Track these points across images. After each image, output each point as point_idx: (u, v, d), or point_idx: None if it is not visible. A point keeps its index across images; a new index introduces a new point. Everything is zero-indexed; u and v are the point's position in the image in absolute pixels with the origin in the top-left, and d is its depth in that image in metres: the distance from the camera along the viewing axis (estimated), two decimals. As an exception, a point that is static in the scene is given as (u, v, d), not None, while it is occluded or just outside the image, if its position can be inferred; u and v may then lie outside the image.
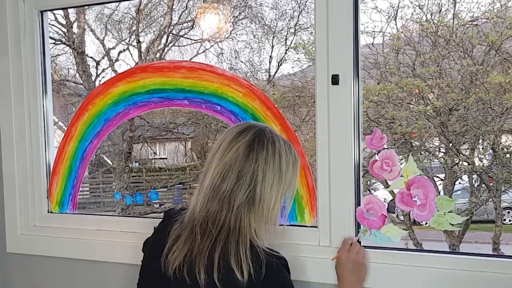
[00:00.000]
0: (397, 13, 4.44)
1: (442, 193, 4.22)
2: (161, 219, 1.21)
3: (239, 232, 1.05)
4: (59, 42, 6.17)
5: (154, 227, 1.21)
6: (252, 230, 1.06)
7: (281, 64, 5.76)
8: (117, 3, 5.01)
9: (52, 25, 5.92)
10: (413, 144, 4.48)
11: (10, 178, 1.73)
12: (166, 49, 6.29)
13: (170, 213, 1.19)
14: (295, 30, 5.58)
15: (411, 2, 4.36)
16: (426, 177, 1.46)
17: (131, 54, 6.25)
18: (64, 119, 6.12)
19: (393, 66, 4.44)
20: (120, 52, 6.26)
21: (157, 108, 1.57)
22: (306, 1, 5.43)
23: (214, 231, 1.05)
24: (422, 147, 4.49)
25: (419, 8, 4.35)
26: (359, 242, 1.30)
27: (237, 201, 1.07)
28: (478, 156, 4.25)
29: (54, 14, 5.62)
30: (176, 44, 6.36)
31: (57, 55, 6.24)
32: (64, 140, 1.69)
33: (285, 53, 5.70)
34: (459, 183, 4.43)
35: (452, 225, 1.25)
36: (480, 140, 4.27)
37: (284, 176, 1.10)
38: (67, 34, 6.23)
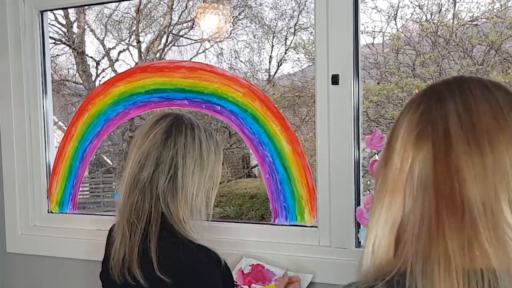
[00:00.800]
0: (397, 13, 4.45)
1: (442, 193, 4.22)
2: (107, 239, 1.17)
3: (165, 222, 1.02)
4: (59, 42, 6.17)
5: None
6: (178, 220, 1.03)
7: (281, 64, 5.76)
8: (117, 3, 5.01)
9: (52, 25, 5.93)
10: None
11: (10, 178, 1.73)
12: (166, 49, 6.30)
13: (111, 228, 1.15)
14: (295, 30, 5.58)
15: (411, 2, 4.37)
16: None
17: (131, 54, 6.27)
18: (64, 119, 6.13)
19: (393, 66, 4.44)
20: (120, 52, 6.27)
21: (157, 108, 1.57)
22: (306, 1, 5.44)
23: (140, 224, 1.02)
24: (422, 147, 4.49)
25: (419, 8, 4.36)
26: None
27: (159, 188, 1.04)
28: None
29: (54, 14, 5.63)
30: (176, 44, 6.37)
31: (57, 55, 6.25)
32: (64, 140, 1.69)
33: (285, 53, 5.71)
34: (459, 183, 4.43)
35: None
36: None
37: (205, 162, 1.07)
38: (67, 34, 6.24)
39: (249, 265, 1.32)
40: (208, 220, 1.12)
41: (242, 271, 1.30)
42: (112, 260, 1.03)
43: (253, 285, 1.28)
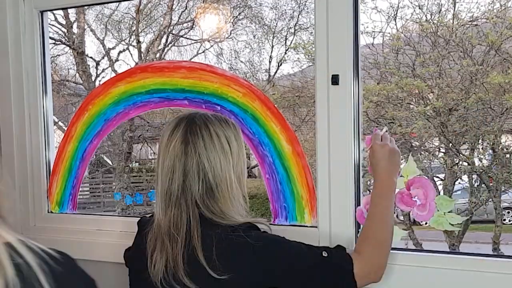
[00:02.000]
0: (397, 13, 4.45)
1: (442, 193, 4.23)
2: (137, 230, 1.20)
3: (205, 226, 1.05)
4: (59, 42, 6.17)
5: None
6: (223, 216, 1.06)
7: (281, 64, 5.76)
8: (117, 3, 5.01)
9: (52, 25, 5.92)
10: (413, 144, 4.48)
11: (10, 178, 1.73)
12: (166, 49, 6.29)
13: (142, 223, 1.18)
14: (295, 30, 5.58)
15: (411, 2, 4.36)
16: (426, 177, 1.46)
17: (131, 54, 6.26)
18: (64, 119, 6.12)
19: (393, 66, 4.44)
20: (120, 52, 6.26)
21: (157, 108, 1.57)
22: (306, 1, 5.44)
23: (180, 236, 1.04)
24: (422, 147, 4.49)
25: (419, 8, 4.35)
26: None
27: (194, 196, 1.06)
28: (478, 156, 4.25)
29: (54, 14, 5.62)
30: (176, 44, 6.36)
31: (57, 55, 6.25)
32: (64, 140, 1.69)
33: (285, 53, 5.70)
34: (459, 183, 4.44)
35: (452, 225, 1.25)
36: (480, 140, 4.27)
37: (229, 154, 1.09)
38: (67, 34, 6.23)
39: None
40: (246, 200, 1.15)
41: None
42: (153, 269, 1.05)
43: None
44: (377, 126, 1.26)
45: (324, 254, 1.07)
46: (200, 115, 1.12)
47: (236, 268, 1.02)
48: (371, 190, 1.25)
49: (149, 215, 1.20)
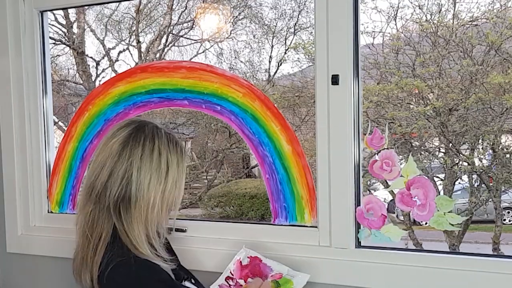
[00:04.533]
0: (397, 13, 4.45)
1: (442, 193, 4.22)
2: None
3: (116, 235, 1.02)
4: (59, 42, 6.17)
5: None
6: (130, 233, 1.02)
7: (281, 64, 5.76)
8: (117, 3, 5.01)
9: (52, 25, 5.92)
10: (413, 144, 4.48)
11: (10, 178, 1.73)
12: (166, 49, 6.29)
13: None
14: (294, 30, 5.58)
15: (411, 2, 4.36)
16: (426, 177, 1.46)
17: (131, 54, 6.26)
18: (64, 119, 6.12)
19: (393, 66, 4.44)
20: (120, 52, 6.26)
21: (157, 108, 1.57)
22: (305, 1, 5.43)
23: (93, 236, 1.03)
24: (422, 147, 4.49)
25: (419, 8, 4.35)
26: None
27: (110, 199, 1.02)
28: (478, 156, 4.25)
29: (54, 14, 5.62)
30: (176, 44, 6.36)
31: (57, 55, 6.25)
32: (64, 140, 1.69)
33: (285, 53, 5.70)
34: (459, 183, 4.43)
35: (452, 225, 1.25)
36: (480, 140, 4.27)
37: (163, 176, 1.04)
38: (67, 34, 6.23)
39: (248, 257, 1.31)
40: (169, 233, 1.12)
41: (241, 262, 1.29)
42: (73, 263, 1.07)
43: (249, 279, 1.27)
44: (377, 126, 1.25)
45: None
46: (152, 126, 1.08)
47: None
48: (371, 190, 1.25)
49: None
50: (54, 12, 4.83)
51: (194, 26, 6.10)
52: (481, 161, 4.21)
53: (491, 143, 4.11)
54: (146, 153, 1.04)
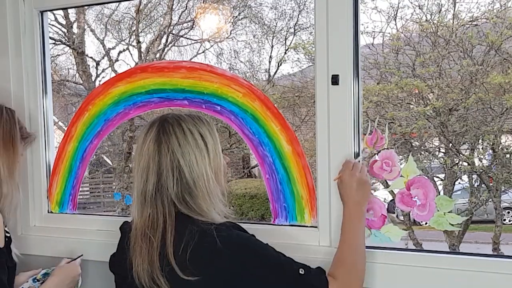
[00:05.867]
0: (397, 13, 4.45)
1: (442, 193, 4.23)
2: (120, 236, 1.21)
3: (181, 224, 1.04)
4: (59, 42, 6.17)
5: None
6: (201, 212, 1.06)
7: (280, 64, 5.76)
8: (117, 3, 5.01)
9: (52, 25, 5.92)
10: (413, 144, 4.48)
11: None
12: (166, 49, 6.29)
13: (124, 228, 1.19)
14: (294, 30, 5.58)
15: (411, 2, 4.36)
16: (426, 177, 1.46)
17: (131, 54, 6.26)
18: (64, 119, 6.13)
19: (393, 66, 4.44)
20: (120, 52, 6.26)
21: (157, 108, 1.57)
22: (305, 1, 5.44)
23: (156, 237, 1.04)
24: (422, 147, 4.49)
25: (419, 8, 4.35)
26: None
27: (170, 193, 1.06)
28: (478, 156, 4.25)
29: (54, 14, 5.62)
30: (176, 44, 6.36)
31: (57, 55, 6.25)
32: (64, 140, 1.69)
33: (285, 53, 5.71)
34: (459, 183, 4.43)
35: (452, 225, 1.25)
36: (480, 140, 4.27)
37: (204, 149, 1.09)
38: (67, 34, 6.23)
39: None
40: (225, 195, 1.14)
41: None
42: (134, 272, 1.05)
43: None
44: (377, 126, 1.26)
45: (301, 271, 1.06)
46: (172, 115, 1.12)
47: (207, 272, 1.01)
48: (371, 190, 1.25)
49: (131, 219, 1.20)
50: (54, 12, 4.83)
51: (194, 26, 6.11)
52: (481, 161, 4.21)
53: (491, 143, 4.11)
54: (181, 138, 1.08)
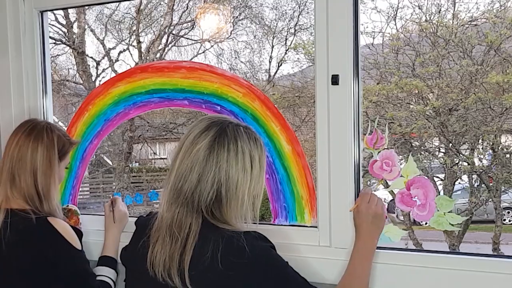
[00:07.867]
0: (396, 13, 4.45)
1: (442, 193, 4.22)
2: (134, 230, 1.21)
3: (204, 232, 1.05)
4: (59, 42, 6.17)
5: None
6: (224, 223, 1.07)
7: (281, 65, 5.76)
8: (117, 3, 5.01)
9: (52, 25, 5.92)
10: (413, 144, 4.48)
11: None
12: (166, 49, 6.29)
13: (140, 222, 1.19)
14: (295, 31, 5.58)
15: (411, 3, 4.36)
16: (426, 177, 1.46)
17: (131, 54, 6.26)
18: (64, 119, 6.12)
19: (392, 66, 4.44)
20: (120, 52, 6.26)
21: (157, 108, 1.57)
22: (306, 2, 5.44)
23: (181, 235, 1.05)
24: (422, 147, 4.49)
25: (419, 8, 4.35)
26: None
27: (202, 203, 1.07)
28: (478, 156, 4.25)
29: (54, 14, 5.62)
30: (176, 44, 6.36)
31: (57, 55, 6.25)
32: (64, 140, 1.68)
33: (285, 53, 5.70)
34: (459, 183, 4.43)
35: (452, 225, 1.25)
36: (480, 140, 4.27)
37: (249, 173, 1.09)
38: (67, 34, 6.23)
39: None
40: (255, 223, 1.14)
41: None
42: (154, 259, 1.06)
43: None
44: (377, 126, 1.25)
45: None
46: (232, 126, 1.11)
47: (222, 283, 1.02)
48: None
49: (146, 215, 1.21)
50: (54, 12, 4.83)
51: (194, 26, 6.10)
52: (481, 161, 4.21)
53: (491, 143, 4.11)
54: (232, 156, 1.07)
